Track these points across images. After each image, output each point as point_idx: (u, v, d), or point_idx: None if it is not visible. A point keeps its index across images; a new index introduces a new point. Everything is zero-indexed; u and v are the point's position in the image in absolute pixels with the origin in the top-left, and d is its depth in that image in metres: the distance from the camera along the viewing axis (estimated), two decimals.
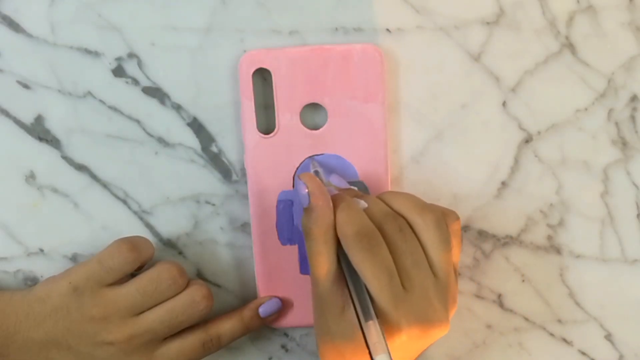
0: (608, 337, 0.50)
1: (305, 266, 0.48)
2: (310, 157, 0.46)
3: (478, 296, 0.49)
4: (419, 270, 0.41)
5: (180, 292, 0.45)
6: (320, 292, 0.41)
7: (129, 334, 0.44)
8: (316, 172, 0.45)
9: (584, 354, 0.50)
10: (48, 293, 0.45)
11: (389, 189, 0.47)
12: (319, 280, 0.41)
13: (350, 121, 0.46)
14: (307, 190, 0.41)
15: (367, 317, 0.39)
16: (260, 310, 0.47)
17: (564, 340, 0.50)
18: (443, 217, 0.42)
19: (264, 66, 0.45)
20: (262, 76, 0.46)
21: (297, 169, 0.47)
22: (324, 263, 0.41)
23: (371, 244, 0.40)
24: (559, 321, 0.50)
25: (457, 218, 0.43)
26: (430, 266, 0.42)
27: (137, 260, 0.45)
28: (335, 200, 0.41)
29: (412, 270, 0.41)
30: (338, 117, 0.46)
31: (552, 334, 0.50)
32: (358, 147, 0.46)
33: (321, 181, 0.43)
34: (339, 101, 0.46)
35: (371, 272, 0.39)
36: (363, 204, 0.42)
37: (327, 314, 0.41)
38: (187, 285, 0.46)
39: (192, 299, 0.45)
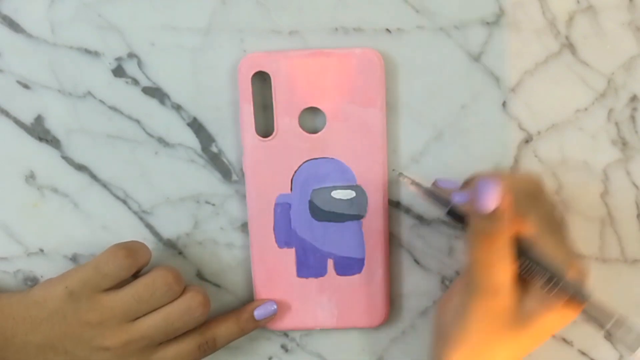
0: (608, 337, 0.50)
1: (301, 269, 0.48)
2: (400, 173, 0.45)
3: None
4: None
5: (176, 299, 0.45)
6: (501, 301, 0.40)
7: (124, 340, 0.44)
8: (416, 183, 0.43)
9: (584, 354, 0.50)
10: (45, 297, 0.45)
11: (387, 195, 0.47)
12: (500, 289, 0.40)
13: (349, 126, 0.46)
14: (494, 194, 0.38)
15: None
16: (256, 313, 0.47)
17: (564, 340, 0.50)
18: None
19: (264, 69, 0.45)
20: (262, 77, 0.46)
21: (295, 172, 0.47)
22: (509, 268, 0.40)
23: (562, 223, 0.41)
24: None
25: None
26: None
27: (134, 266, 0.45)
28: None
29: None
30: (337, 121, 0.46)
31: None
32: (356, 151, 0.46)
33: (425, 187, 0.43)
34: (338, 105, 0.46)
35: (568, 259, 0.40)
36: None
37: (509, 314, 0.40)
38: (184, 291, 0.46)
39: (189, 306, 0.45)
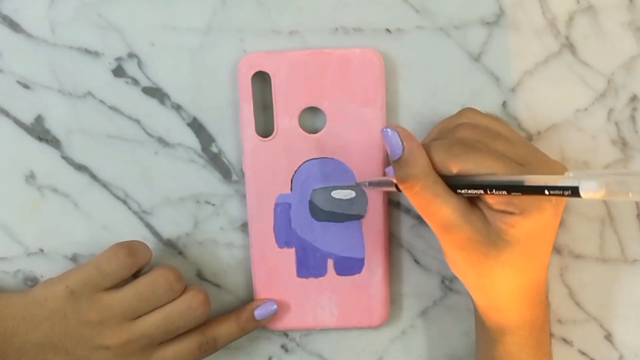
0: (608, 337, 0.50)
1: (301, 269, 0.48)
2: (357, 184, 0.47)
3: None
4: (515, 145, 0.41)
5: (177, 298, 0.45)
6: (458, 232, 0.40)
7: (125, 339, 0.44)
8: (369, 182, 0.45)
9: (584, 354, 0.50)
10: (45, 296, 0.45)
11: (387, 195, 0.47)
12: (451, 221, 0.40)
13: (349, 125, 0.46)
14: (399, 139, 0.40)
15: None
16: (256, 313, 0.47)
17: (564, 340, 0.50)
18: (473, 108, 0.44)
19: (264, 69, 0.45)
20: (262, 77, 0.46)
21: (295, 172, 0.47)
22: (448, 202, 0.40)
23: (467, 147, 0.40)
24: (559, 321, 0.50)
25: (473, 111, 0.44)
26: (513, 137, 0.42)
27: (134, 265, 0.45)
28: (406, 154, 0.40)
29: (511, 148, 0.41)
30: (337, 121, 0.46)
31: (552, 334, 0.50)
32: (356, 151, 0.46)
33: (377, 179, 0.44)
34: (338, 105, 0.46)
35: (495, 163, 0.39)
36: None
37: (474, 240, 0.40)
38: (185, 290, 0.46)
39: (189, 305, 0.45)
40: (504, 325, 0.43)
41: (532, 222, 0.39)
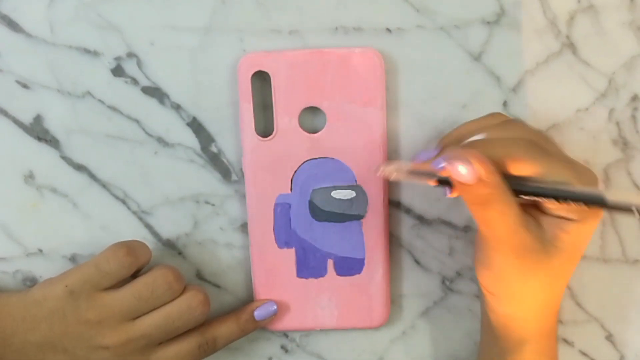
0: (609, 337, 0.50)
1: (301, 270, 0.48)
2: (378, 168, 0.43)
3: (479, 297, 0.49)
4: (559, 148, 0.41)
5: (176, 298, 0.45)
6: (517, 239, 0.39)
7: (124, 339, 0.44)
8: (397, 170, 0.41)
9: (584, 354, 0.50)
10: (44, 296, 0.45)
11: (387, 195, 0.47)
12: (512, 229, 0.38)
13: (349, 125, 0.46)
14: (471, 164, 0.37)
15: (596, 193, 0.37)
16: (256, 313, 0.47)
17: (565, 340, 0.50)
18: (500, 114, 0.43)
19: (263, 69, 0.45)
20: (262, 76, 0.46)
21: (295, 172, 0.46)
22: (511, 209, 0.38)
23: (541, 146, 0.39)
24: (560, 321, 0.50)
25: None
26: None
27: (134, 264, 0.45)
28: (461, 151, 0.38)
29: (561, 152, 0.40)
30: (337, 121, 0.46)
31: None
32: (356, 151, 0.46)
33: (407, 169, 0.40)
34: (338, 105, 0.46)
35: (567, 171, 0.38)
36: (473, 138, 0.41)
37: (531, 251, 0.39)
38: (184, 290, 0.46)
39: (189, 305, 0.45)
40: (524, 335, 0.42)
41: (586, 229, 0.39)
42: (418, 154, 0.43)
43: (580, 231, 0.39)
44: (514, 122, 0.42)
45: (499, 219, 0.38)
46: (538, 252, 0.39)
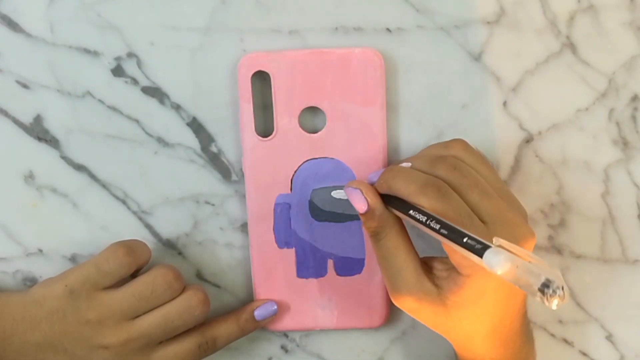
0: (609, 337, 0.50)
1: (301, 270, 0.48)
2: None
3: None
4: (489, 199, 0.40)
5: (176, 297, 0.45)
6: (409, 296, 0.41)
7: (124, 338, 0.44)
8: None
9: (584, 354, 0.50)
10: (44, 296, 0.45)
11: None
12: (403, 280, 0.41)
13: (349, 125, 0.46)
14: (363, 195, 0.42)
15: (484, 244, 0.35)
16: (256, 313, 0.47)
17: (565, 340, 0.50)
18: (464, 142, 0.43)
19: (263, 69, 0.45)
20: (262, 76, 0.46)
21: (295, 172, 0.46)
22: (404, 255, 0.41)
23: (441, 192, 0.39)
24: (560, 322, 0.50)
25: (462, 144, 0.43)
26: (480, 212, 0.41)
27: (134, 264, 0.45)
28: (383, 173, 0.42)
29: (482, 202, 0.40)
30: (337, 121, 0.46)
31: (552, 335, 0.50)
32: (356, 151, 0.46)
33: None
34: (338, 105, 0.46)
35: (453, 220, 0.38)
36: (407, 164, 0.42)
37: (428, 310, 0.41)
38: (184, 289, 0.46)
39: (188, 304, 0.45)
40: None
41: (481, 284, 0.39)
42: (370, 175, 0.45)
43: (476, 286, 0.40)
44: (446, 157, 0.42)
45: (390, 256, 0.41)
46: (435, 304, 0.41)
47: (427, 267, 0.42)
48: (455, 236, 0.36)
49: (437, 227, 0.38)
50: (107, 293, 0.45)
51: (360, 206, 0.42)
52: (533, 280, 0.32)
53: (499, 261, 0.33)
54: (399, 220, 0.42)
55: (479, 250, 0.34)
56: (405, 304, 0.42)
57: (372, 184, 0.43)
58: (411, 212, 0.40)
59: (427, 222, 0.38)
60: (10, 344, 0.44)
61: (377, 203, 0.42)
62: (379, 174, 0.43)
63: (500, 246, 0.34)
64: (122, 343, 0.44)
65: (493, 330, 0.42)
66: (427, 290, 0.41)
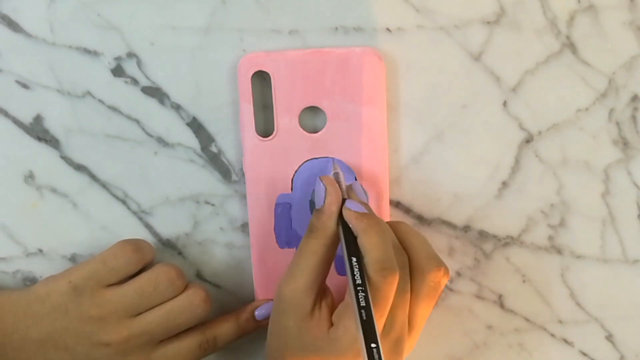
0: (609, 337, 0.50)
1: None
2: (332, 158, 0.46)
3: (479, 297, 0.49)
4: (402, 323, 0.42)
5: (178, 295, 0.45)
6: (292, 290, 0.41)
7: (125, 335, 0.44)
8: (336, 174, 0.44)
9: (584, 354, 0.50)
10: (47, 292, 0.45)
11: (388, 195, 0.47)
12: (296, 278, 0.41)
13: (350, 125, 0.46)
14: (324, 192, 0.42)
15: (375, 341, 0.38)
16: (257, 313, 0.47)
17: (565, 340, 0.50)
18: (444, 276, 0.43)
19: (263, 69, 0.45)
20: (262, 76, 0.46)
21: (296, 172, 0.46)
22: (314, 264, 0.41)
23: (388, 282, 0.40)
24: (560, 322, 0.50)
25: (448, 274, 0.44)
26: (410, 314, 0.43)
27: (141, 261, 0.45)
28: (370, 219, 0.41)
29: (397, 319, 0.41)
30: (337, 120, 0.46)
31: (552, 335, 0.50)
32: (357, 150, 0.46)
33: (340, 184, 0.43)
34: (339, 104, 0.46)
35: (379, 308, 0.39)
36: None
37: (292, 317, 0.41)
38: (186, 287, 0.46)
39: (190, 302, 0.45)
40: None
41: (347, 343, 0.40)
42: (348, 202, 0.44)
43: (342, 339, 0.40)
44: (440, 276, 0.43)
45: (303, 254, 0.42)
46: (304, 320, 0.41)
47: (323, 294, 0.42)
48: (369, 328, 0.38)
49: (362, 302, 0.39)
50: (110, 290, 0.45)
51: (318, 201, 0.42)
52: None
53: None
54: (337, 241, 0.42)
55: None
56: (280, 298, 0.42)
57: (347, 199, 0.43)
58: (353, 259, 0.40)
59: (357, 285, 0.39)
60: (12, 340, 0.44)
61: (331, 210, 0.42)
62: (357, 204, 0.43)
63: None
64: (123, 340, 0.44)
65: None
66: (303, 304, 0.41)
